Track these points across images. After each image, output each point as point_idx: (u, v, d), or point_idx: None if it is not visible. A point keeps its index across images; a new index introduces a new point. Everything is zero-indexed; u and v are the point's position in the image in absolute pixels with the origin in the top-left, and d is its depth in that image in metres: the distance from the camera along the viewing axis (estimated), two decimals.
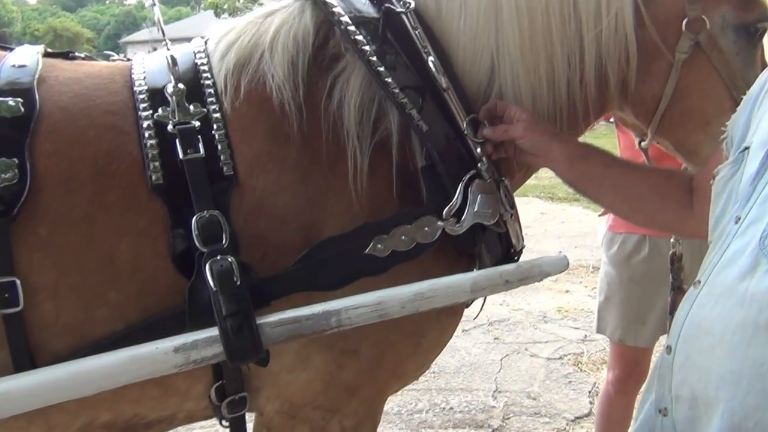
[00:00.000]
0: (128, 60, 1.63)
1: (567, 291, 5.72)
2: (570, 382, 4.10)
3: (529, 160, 1.56)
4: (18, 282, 1.28)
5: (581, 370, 4.26)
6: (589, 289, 5.62)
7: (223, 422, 1.55)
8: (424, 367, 1.67)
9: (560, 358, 4.44)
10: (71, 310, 1.34)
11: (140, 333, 1.32)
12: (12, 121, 1.34)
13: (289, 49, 1.51)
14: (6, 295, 1.27)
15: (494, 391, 3.97)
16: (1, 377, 1.19)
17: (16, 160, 1.31)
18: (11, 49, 1.55)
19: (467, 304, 1.65)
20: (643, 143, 1.77)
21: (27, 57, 1.48)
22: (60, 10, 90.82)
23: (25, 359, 1.30)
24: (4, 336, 1.29)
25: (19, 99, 1.36)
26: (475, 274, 1.42)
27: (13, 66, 1.44)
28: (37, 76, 1.43)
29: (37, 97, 1.39)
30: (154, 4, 1.65)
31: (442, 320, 1.56)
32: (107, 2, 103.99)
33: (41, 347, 1.32)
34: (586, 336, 4.74)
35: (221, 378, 1.46)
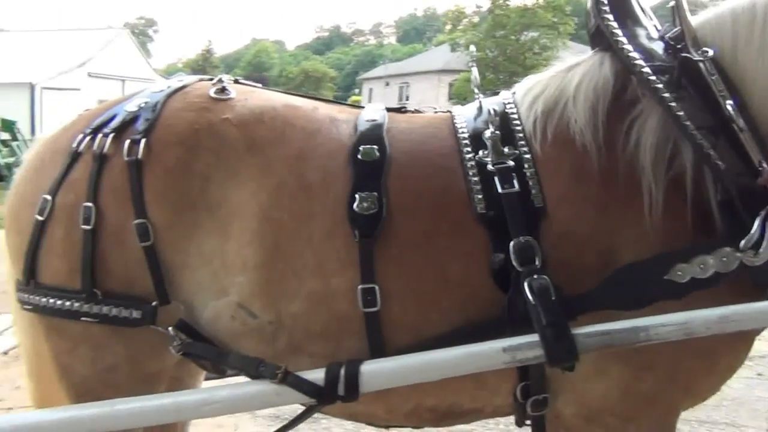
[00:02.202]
0: (448, 111, 1.95)
1: None
2: None
3: None
4: (377, 288, 1.64)
5: None
6: None
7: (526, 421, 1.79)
8: (715, 388, 1.79)
9: None
10: (413, 313, 1.68)
11: (463, 335, 1.62)
12: (371, 163, 1.72)
13: (590, 97, 1.74)
14: (369, 298, 1.64)
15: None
16: (380, 359, 1.61)
17: (375, 194, 1.68)
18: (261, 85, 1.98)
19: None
20: None
21: (376, 113, 1.86)
22: (311, 54, 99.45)
23: (379, 350, 1.66)
24: (365, 330, 1.66)
25: (374, 146, 1.74)
26: None
27: (367, 120, 1.82)
28: (385, 128, 1.80)
29: (387, 144, 1.76)
30: (473, 64, 1.97)
31: (736, 345, 1.69)
32: (351, 44, 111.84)
33: (389, 341, 1.67)
34: None
35: (526, 379, 1.70)
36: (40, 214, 1.74)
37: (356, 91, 64.66)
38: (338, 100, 2.11)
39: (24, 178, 1.88)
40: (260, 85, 2.01)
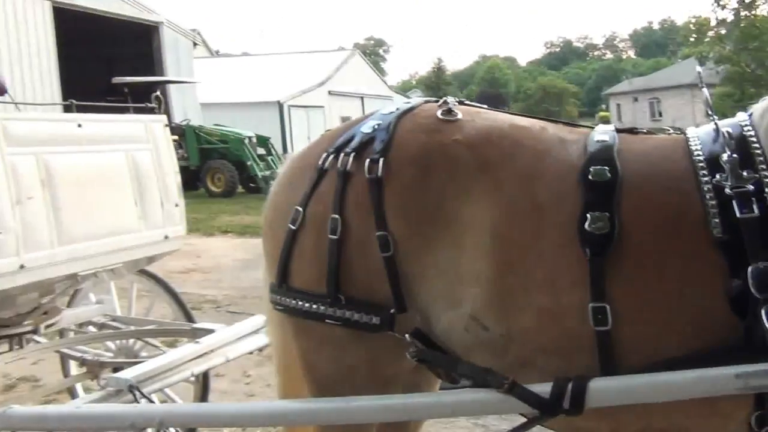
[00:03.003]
0: (680, 133, 1.90)
1: None
2: None
3: None
4: (607, 307, 1.64)
5: None
6: None
7: None
8: None
9: None
10: (643, 334, 1.65)
11: (694, 359, 1.57)
12: (602, 184, 1.72)
13: None
14: (599, 316, 1.64)
15: None
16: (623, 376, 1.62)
17: (607, 214, 1.67)
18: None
19: None
20: None
21: (606, 134, 1.85)
22: (546, 69, 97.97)
23: (608, 368, 1.65)
24: (595, 348, 1.66)
25: (605, 167, 1.74)
26: None
27: (597, 141, 1.82)
28: (616, 149, 1.79)
29: (618, 165, 1.74)
30: (702, 86, 1.90)
31: None
32: (588, 58, 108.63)
33: (619, 360, 1.65)
34: None
35: (762, 408, 1.60)
36: (293, 223, 1.94)
37: (603, 106, 62.64)
38: (568, 121, 2.12)
39: (278, 192, 2.11)
40: (495, 102, 2.10)
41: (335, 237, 1.86)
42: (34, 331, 3.14)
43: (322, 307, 1.88)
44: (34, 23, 15.59)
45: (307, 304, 1.90)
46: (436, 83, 69.65)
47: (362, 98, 36.51)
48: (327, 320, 1.88)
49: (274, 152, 20.10)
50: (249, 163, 18.50)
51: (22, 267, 2.58)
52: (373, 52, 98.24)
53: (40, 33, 15.74)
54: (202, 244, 10.76)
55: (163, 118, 3.36)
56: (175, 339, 4.11)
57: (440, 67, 77.74)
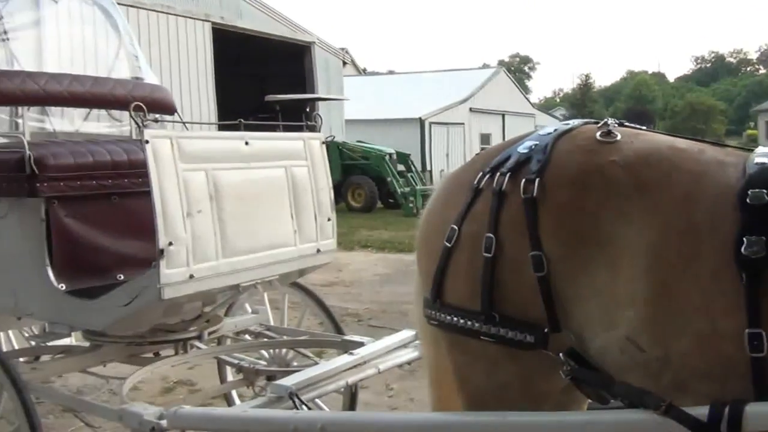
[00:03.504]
0: None
1: None
2: None
3: None
4: (764, 334, 1.58)
5: None
6: None
7: None
8: None
9: None
10: None
11: None
12: (761, 207, 1.65)
13: None
14: (755, 343, 1.59)
15: None
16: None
17: (764, 238, 1.61)
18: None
19: None
20: None
21: (766, 156, 1.76)
22: (695, 86, 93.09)
23: (766, 393, 1.59)
24: (751, 374, 1.60)
25: (764, 190, 1.67)
26: None
27: (756, 163, 1.74)
28: None
29: None
30: None
31: None
32: (740, 74, 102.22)
33: None
34: None
35: None
36: (448, 241, 1.99)
37: (751, 124, 58.98)
38: (723, 143, 2.04)
39: (434, 210, 2.16)
40: (641, 120, 2.06)
41: (489, 255, 1.89)
42: (199, 338, 3.34)
43: (476, 324, 1.91)
44: (194, 45, 16.69)
45: (461, 320, 1.94)
46: (581, 100, 67.90)
47: (503, 115, 36.28)
48: (481, 337, 1.91)
49: (413, 169, 20.32)
50: (389, 179, 18.80)
51: (191, 277, 2.76)
52: (518, 69, 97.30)
53: (200, 54, 16.82)
54: (343, 257, 11.00)
55: (321, 135, 3.49)
56: (321, 350, 4.24)
57: (587, 84, 75.73)
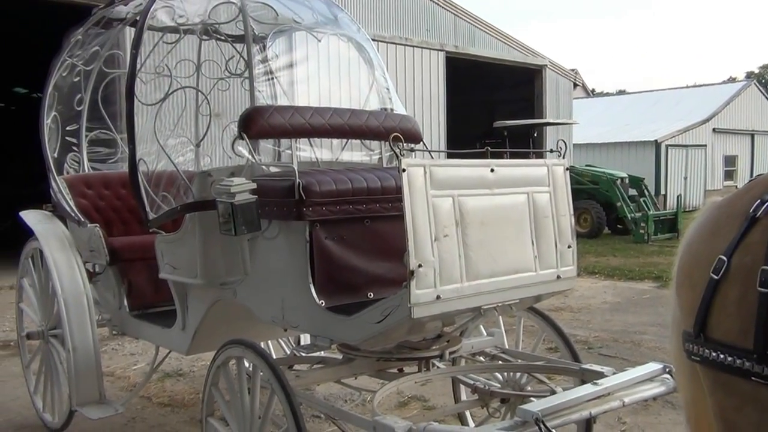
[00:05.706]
0: None
1: None
2: None
3: None
4: None
5: None
6: None
7: None
8: None
9: None
10: None
11: None
12: None
13: None
14: None
15: None
16: None
17: None
18: None
19: None
20: None
21: None
22: None
23: None
24: None
25: None
26: None
27: None
28: None
29: None
30: None
31: None
32: None
33: None
34: None
35: None
36: (715, 273, 1.88)
37: None
38: None
39: (698, 239, 2.06)
40: None
41: (766, 290, 1.75)
42: (440, 357, 3.47)
43: (747, 363, 1.78)
44: (429, 73, 17.35)
45: (729, 358, 1.82)
46: None
47: (752, 135, 33.12)
48: (752, 377, 1.77)
49: (647, 193, 19.34)
50: (619, 204, 18.07)
51: (438, 298, 2.87)
52: None
53: (434, 82, 17.44)
54: None
55: (565, 162, 3.48)
56: (551, 376, 4.20)
57: None
